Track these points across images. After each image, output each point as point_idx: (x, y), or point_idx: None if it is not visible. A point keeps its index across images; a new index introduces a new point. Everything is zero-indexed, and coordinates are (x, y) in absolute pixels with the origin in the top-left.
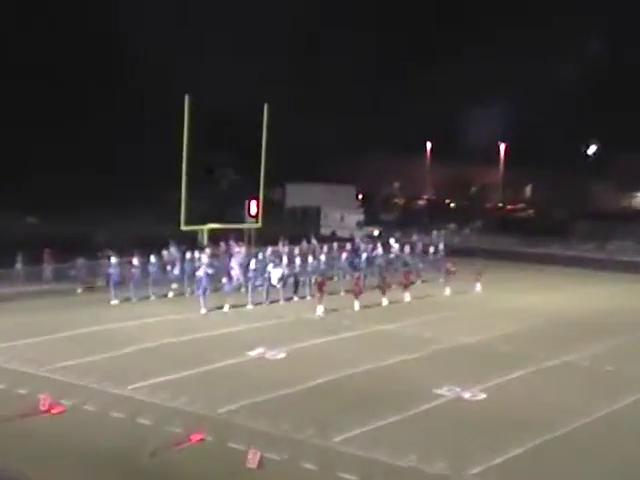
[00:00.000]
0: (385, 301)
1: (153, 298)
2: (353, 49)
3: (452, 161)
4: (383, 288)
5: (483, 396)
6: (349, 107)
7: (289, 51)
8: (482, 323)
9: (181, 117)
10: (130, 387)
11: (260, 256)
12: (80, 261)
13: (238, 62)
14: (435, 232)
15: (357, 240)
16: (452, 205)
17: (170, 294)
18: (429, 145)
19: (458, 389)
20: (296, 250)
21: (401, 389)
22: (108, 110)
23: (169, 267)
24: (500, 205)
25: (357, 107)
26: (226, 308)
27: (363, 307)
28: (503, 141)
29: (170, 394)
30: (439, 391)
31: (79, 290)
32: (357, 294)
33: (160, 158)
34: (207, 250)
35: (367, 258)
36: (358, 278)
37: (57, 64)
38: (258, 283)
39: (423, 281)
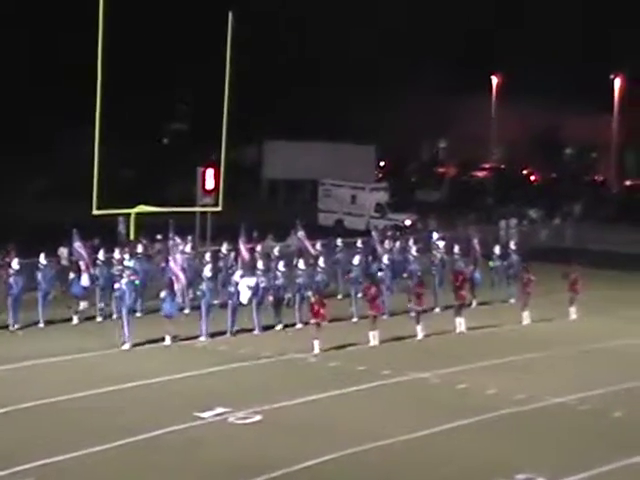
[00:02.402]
0: (421, 332)
1: (42, 325)
2: None
3: (534, 106)
4: (418, 311)
5: None
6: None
7: None
8: (583, 371)
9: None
10: (2, 473)
11: (222, 258)
12: None
13: None
14: (504, 222)
15: (375, 234)
16: (533, 179)
17: (74, 318)
18: (495, 80)
19: None
20: (276, 249)
21: (446, 478)
22: None
23: (71, 274)
24: (613, 180)
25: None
26: (167, 341)
27: (385, 341)
28: (619, 72)
29: None
30: None
31: None
32: (375, 320)
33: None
34: (134, 247)
35: (392, 263)
36: (375, 294)
37: None
38: (217, 301)
39: (481, 303)
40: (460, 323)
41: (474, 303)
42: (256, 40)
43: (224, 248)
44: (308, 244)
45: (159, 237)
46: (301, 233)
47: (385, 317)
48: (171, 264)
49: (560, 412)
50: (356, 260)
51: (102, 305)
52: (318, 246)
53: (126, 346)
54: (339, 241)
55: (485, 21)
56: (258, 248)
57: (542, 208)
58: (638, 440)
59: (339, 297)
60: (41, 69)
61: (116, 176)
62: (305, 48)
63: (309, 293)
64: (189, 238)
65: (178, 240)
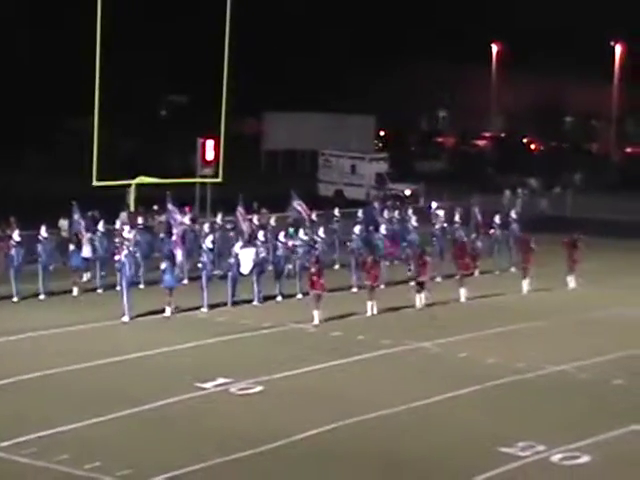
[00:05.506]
0: (420, 302)
1: (43, 297)
2: None
3: (534, 74)
4: (419, 281)
5: (584, 459)
6: None
7: None
8: (582, 340)
9: None
10: (4, 444)
11: (217, 229)
12: None
13: None
14: (507, 192)
15: (376, 205)
16: (533, 147)
17: (74, 290)
18: (495, 49)
19: (541, 447)
20: (272, 220)
21: (447, 446)
22: None
23: (71, 246)
24: (615, 148)
25: None
26: (167, 312)
27: (385, 311)
28: (618, 40)
29: (71, 455)
30: (509, 450)
31: None
32: (373, 289)
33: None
34: (135, 218)
35: (391, 233)
36: (374, 264)
37: None
38: (217, 272)
39: (482, 272)
40: (462, 292)
41: (476, 272)
42: (256, 9)
43: (219, 219)
44: (304, 210)
45: (156, 208)
46: (297, 201)
47: (382, 287)
48: (175, 239)
49: (560, 380)
50: (357, 230)
51: (100, 276)
52: (314, 216)
53: (126, 318)
54: (337, 211)
55: None
56: (255, 219)
57: (542, 177)
58: (638, 408)
59: (336, 267)
60: (40, 43)
61: (116, 148)
62: (304, 16)
63: (307, 263)
64: (187, 209)
65: (176, 210)
